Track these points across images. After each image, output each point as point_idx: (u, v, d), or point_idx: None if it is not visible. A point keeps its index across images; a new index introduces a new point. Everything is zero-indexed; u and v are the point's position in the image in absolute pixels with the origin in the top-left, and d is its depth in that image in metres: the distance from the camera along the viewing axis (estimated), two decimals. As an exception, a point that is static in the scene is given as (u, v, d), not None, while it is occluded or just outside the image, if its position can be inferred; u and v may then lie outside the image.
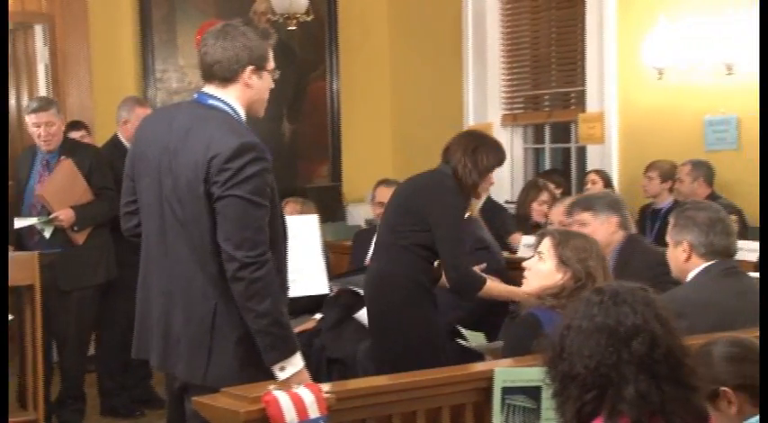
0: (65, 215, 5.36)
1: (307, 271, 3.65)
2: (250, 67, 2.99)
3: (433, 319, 4.37)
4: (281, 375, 2.83)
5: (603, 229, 4.25)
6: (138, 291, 3.11)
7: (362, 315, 5.27)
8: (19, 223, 5.33)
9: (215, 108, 2.98)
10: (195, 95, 3.09)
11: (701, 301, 3.38)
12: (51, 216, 5.35)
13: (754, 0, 6.44)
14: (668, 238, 3.64)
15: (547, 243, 3.38)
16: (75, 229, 5.41)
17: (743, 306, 3.36)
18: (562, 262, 3.31)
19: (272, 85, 3.10)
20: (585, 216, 4.32)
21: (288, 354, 2.85)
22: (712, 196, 6.37)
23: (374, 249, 4.61)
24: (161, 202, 2.96)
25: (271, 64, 3.05)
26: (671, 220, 3.65)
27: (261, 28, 3.10)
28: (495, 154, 4.43)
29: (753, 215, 6.34)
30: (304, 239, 3.68)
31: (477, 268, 4.45)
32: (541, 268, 3.36)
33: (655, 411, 2.19)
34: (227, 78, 3.00)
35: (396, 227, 4.35)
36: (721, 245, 3.53)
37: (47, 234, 5.37)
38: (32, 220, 5.36)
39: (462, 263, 4.25)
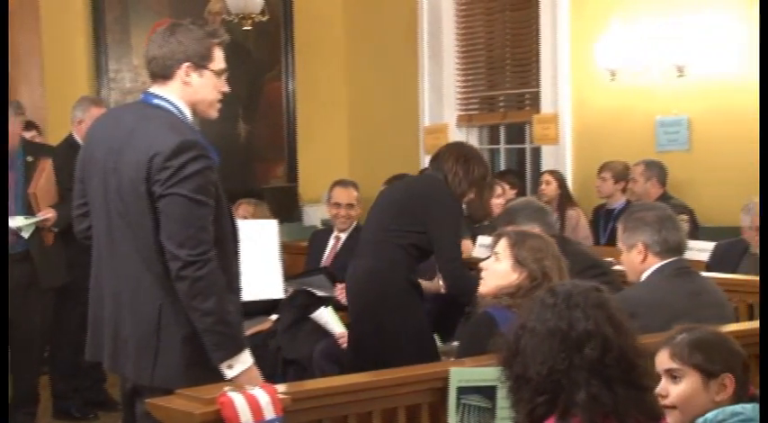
0: (51, 214, 5.33)
1: (263, 275, 3.65)
2: (186, 64, 2.96)
3: (423, 318, 4.44)
4: (229, 373, 2.83)
5: None
6: (91, 292, 3.09)
7: (319, 315, 5.28)
8: (12, 223, 5.27)
9: (159, 107, 2.97)
10: (142, 95, 3.08)
11: (654, 300, 3.42)
12: (43, 216, 5.31)
13: (704, 3, 6.56)
14: (620, 245, 3.67)
15: (503, 243, 3.40)
16: (56, 229, 5.39)
17: (694, 306, 3.40)
18: (518, 262, 3.33)
19: (225, 87, 3.06)
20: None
21: (235, 352, 2.84)
22: (664, 196, 6.45)
23: (361, 246, 4.63)
24: (107, 202, 2.95)
25: (216, 63, 3.02)
26: (620, 226, 3.69)
27: (210, 27, 3.07)
28: (484, 168, 4.58)
29: (703, 215, 6.44)
30: (262, 244, 3.68)
31: None
32: (498, 268, 3.37)
33: (608, 413, 2.22)
34: (164, 75, 2.99)
35: (390, 226, 4.41)
36: (674, 240, 3.59)
37: (25, 234, 5.32)
38: (21, 220, 5.30)
39: (459, 265, 4.33)
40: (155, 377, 2.88)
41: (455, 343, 4.13)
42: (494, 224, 4.51)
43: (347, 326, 5.33)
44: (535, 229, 4.26)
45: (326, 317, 5.28)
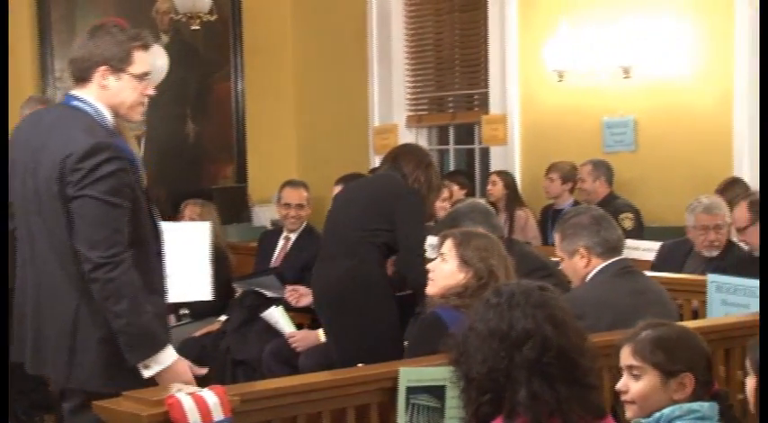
0: None
1: (192, 277, 3.63)
2: (103, 67, 2.97)
3: (398, 315, 4.48)
4: (146, 373, 2.84)
5: None
6: (16, 292, 3.09)
7: (269, 314, 5.27)
8: None
9: (78, 109, 2.98)
10: (65, 97, 3.09)
11: (598, 300, 3.45)
12: None
13: (649, 7, 6.65)
14: (560, 253, 3.70)
15: (449, 244, 3.43)
16: None
17: (638, 304, 3.44)
18: (464, 261, 3.35)
19: (149, 91, 3.05)
20: None
21: (150, 352, 2.84)
22: (611, 196, 6.53)
23: (331, 246, 4.61)
24: (27, 202, 2.96)
25: (136, 67, 3.00)
26: (557, 235, 3.72)
27: (133, 31, 3.05)
28: (439, 177, 4.77)
29: (650, 215, 6.52)
30: (194, 246, 3.66)
31: None
32: (444, 269, 3.40)
33: (552, 411, 2.24)
34: (82, 78, 2.99)
35: (366, 225, 4.46)
36: (613, 239, 3.63)
37: None
38: None
39: (422, 262, 4.34)
40: (71, 378, 2.89)
41: (404, 343, 4.15)
42: (438, 226, 4.55)
43: (304, 326, 5.34)
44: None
45: (277, 316, 5.28)
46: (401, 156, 4.65)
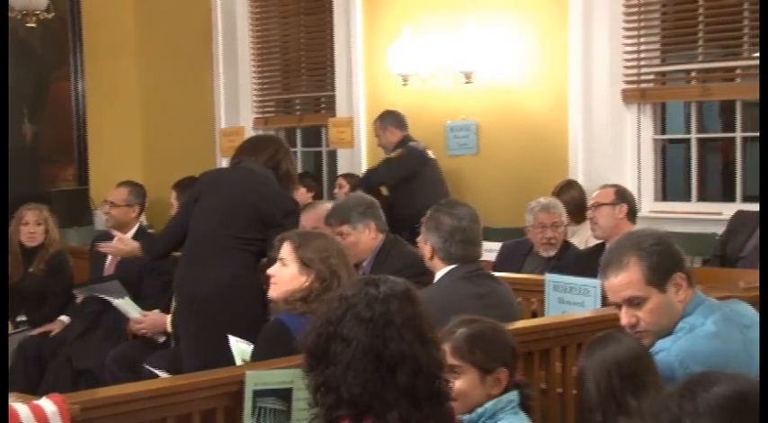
0: None
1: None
2: None
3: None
4: None
5: (365, 237, 4.35)
6: None
7: (119, 304, 5.15)
8: None
9: None
10: None
11: (441, 302, 3.49)
12: None
13: (489, 14, 6.83)
14: (421, 230, 3.77)
15: (287, 247, 3.37)
16: None
17: (478, 308, 3.49)
18: (304, 264, 3.31)
19: None
20: (345, 228, 4.37)
21: None
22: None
23: (200, 250, 4.44)
24: None
25: None
26: (427, 214, 3.77)
27: None
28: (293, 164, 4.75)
29: (490, 216, 6.68)
30: None
31: None
32: (286, 273, 3.34)
33: None
34: None
35: (239, 233, 4.35)
36: (458, 253, 3.68)
37: None
38: None
39: None
40: None
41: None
42: (328, 219, 4.53)
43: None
44: (370, 224, 4.37)
45: (126, 307, 5.19)
46: (249, 149, 4.59)
